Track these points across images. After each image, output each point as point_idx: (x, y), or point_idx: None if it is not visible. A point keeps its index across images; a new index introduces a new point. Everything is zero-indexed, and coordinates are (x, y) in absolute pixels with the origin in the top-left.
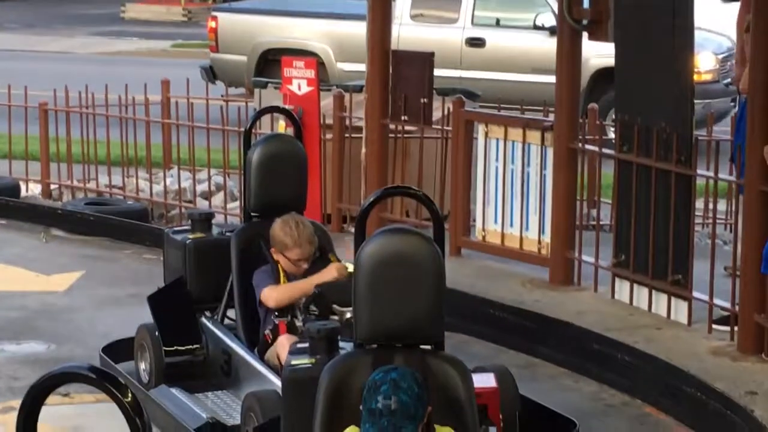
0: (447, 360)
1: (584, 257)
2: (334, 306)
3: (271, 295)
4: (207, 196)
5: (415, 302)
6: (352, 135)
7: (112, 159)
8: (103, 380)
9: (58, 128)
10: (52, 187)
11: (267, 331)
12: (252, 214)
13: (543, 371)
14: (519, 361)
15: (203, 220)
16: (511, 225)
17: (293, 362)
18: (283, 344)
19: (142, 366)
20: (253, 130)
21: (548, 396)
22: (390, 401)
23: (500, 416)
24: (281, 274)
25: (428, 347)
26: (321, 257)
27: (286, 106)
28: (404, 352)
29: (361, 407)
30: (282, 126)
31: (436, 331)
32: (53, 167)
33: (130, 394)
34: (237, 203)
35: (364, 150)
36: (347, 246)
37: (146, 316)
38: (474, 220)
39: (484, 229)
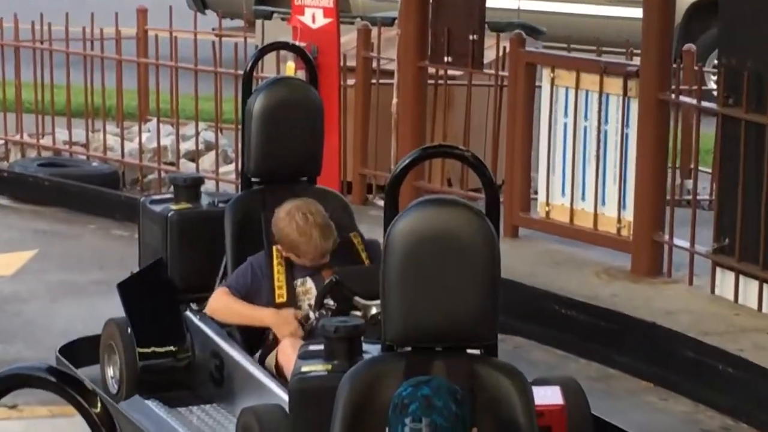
0: (501, 368)
1: (676, 241)
2: (356, 298)
3: (215, 305)
4: (194, 156)
5: (461, 294)
6: (381, 81)
7: (72, 109)
8: (64, 385)
9: (5, 68)
10: None
11: (271, 334)
12: (252, 179)
13: (621, 385)
14: (591, 372)
15: (189, 187)
16: (583, 198)
17: (304, 369)
18: (285, 349)
19: (110, 372)
20: (255, 74)
21: (628, 417)
22: (420, 424)
23: None
24: (275, 268)
25: (476, 352)
26: (342, 243)
27: (297, 43)
28: (446, 358)
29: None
30: (291, 68)
31: (487, 331)
32: None
33: (99, 404)
34: (231, 166)
35: (395, 100)
36: (373, 222)
37: (115, 309)
38: (535, 192)
39: (548, 204)
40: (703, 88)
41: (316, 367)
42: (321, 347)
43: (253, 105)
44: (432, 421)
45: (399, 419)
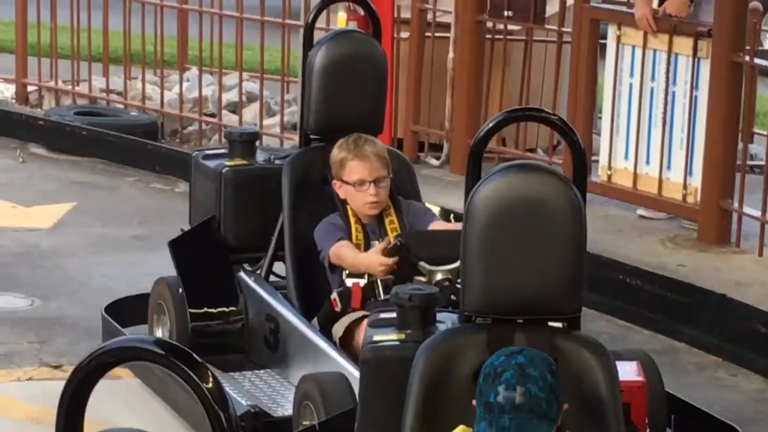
0: (585, 343)
1: (746, 209)
2: (421, 263)
3: (340, 258)
4: (235, 108)
5: (546, 263)
6: (436, 34)
7: (110, 55)
8: (174, 358)
9: (41, 11)
10: (30, 89)
11: (334, 295)
12: (311, 136)
13: (688, 360)
14: (656, 345)
15: (245, 142)
16: (648, 162)
17: (376, 338)
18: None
19: (159, 333)
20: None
21: (695, 393)
22: (515, 393)
23: (646, 420)
24: (352, 224)
25: (559, 325)
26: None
27: None
28: (527, 330)
29: (474, 401)
30: (342, 19)
31: (571, 303)
32: (32, 63)
33: (211, 379)
34: (276, 119)
35: (451, 54)
36: (423, 182)
37: (159, 267)
38: (597, 155)
39: (610, 167)
40: (759, 49)
41: (389, 337)
42: (393, 316)
43: (314, 59)
44: (527, 390)
45: (492, 387)
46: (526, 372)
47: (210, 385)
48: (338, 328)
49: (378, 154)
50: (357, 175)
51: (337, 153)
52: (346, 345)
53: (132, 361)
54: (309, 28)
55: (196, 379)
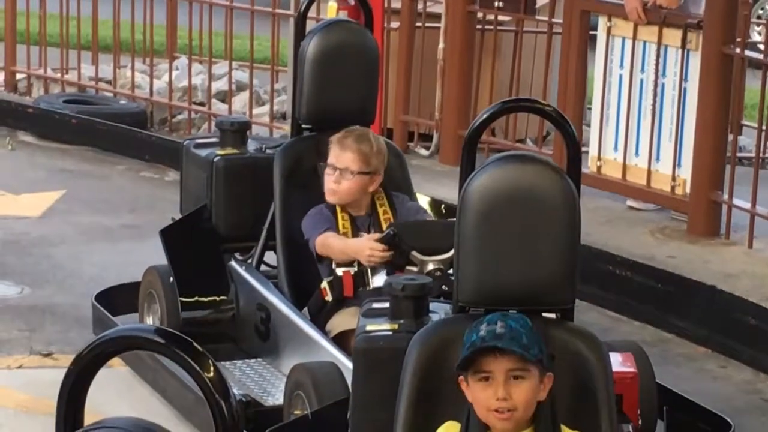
0: (578, 334)
1: (736, 200)
2: (413, 253)
3: (328, 247)
4: (225, 97)
5: (540, 254)
6: (426, 24)
7: (100, 43)
8: (175, 347)
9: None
10: (19, 77)
11: (324, 285)
12: (303, 126)
13: (678, 351)
14: (646, 336)
15: (236, 131)
16: (637, 154)
17: (369, 327)
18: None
19: (150, 321)
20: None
21: (685, 384)
22: (495, 326)
23: (638, 411)
24: (339, 214)
25: (552, 316)
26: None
27: None
28: None
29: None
30: (333, 8)
31: (565, 294)
32: (21, 50)
33: (212, 368)
34: (265, 108)
35: (441, 45)
36: (413, 172)
37: (149, 255)
38: (586, 146)
39: (599, 158)
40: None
41: (382, 326)
42: (386, 305)
43: (306, 48)
44: (507, 324)
45: (474, 330)
46: (508, 315)
47: (211, 374)
48: (333, 324)
49: (360, 150)
50: (330, 160)
51: (332, 142)
52: (339, 342)
53: (133, 350)
54: (301, 18)
55: (197, 368)
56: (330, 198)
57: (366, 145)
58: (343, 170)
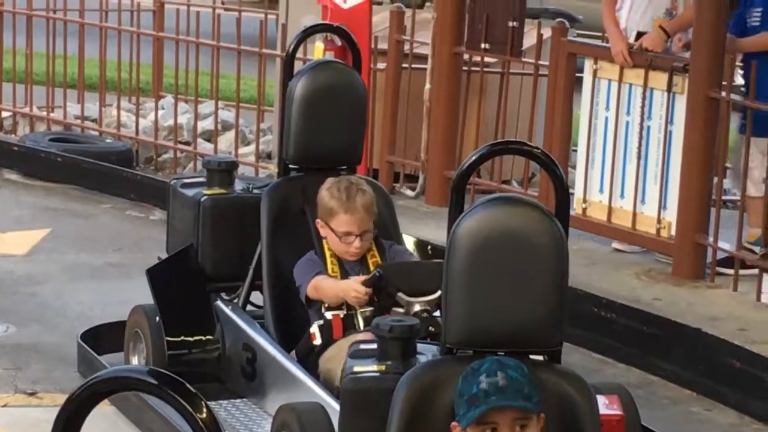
0: (566, 377)
1: (721, 243)
2: (399, 294)
3: (319, 289)
4: (210, 136)
5: (528, 297)
6: (413, 65)
7: (86, 82)
8: (168, 388)
9: (16, 37)
10: (4, 114)
11: (314, 329)
12: (290, 166)
13: (663, 393)
14: (631, 379)
15: (223, 171)
16: (622, 196)
17: (356, 368)
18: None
19: (135, 360)
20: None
21: (670, 427)
22: (497, 378)
23: None
24: (328, 258)
25: (539, 358)
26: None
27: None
28: None
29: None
30: (320, 49)
31: (553, 336)
32: (6, 89)
33: (204, 409)
34: (251, 147)
35: (428, 86)
36: (399, 212)
37: (134, 294)
38: (572, 187)
39: (585, 200)
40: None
41: (369, 368)
42: (373, 347)
43: (294, 88)
44: (508, 375)
45: (472, 381)
46: (504, 363)
47: (204, 415)
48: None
49: (367, 206)
50: (345, 228)
51: (327, 199)
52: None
53: (125, 391)
54: (290, 58)
55: (190, 409)
56: (353, 258)
57: (367, 197)
58: (364, 233)
